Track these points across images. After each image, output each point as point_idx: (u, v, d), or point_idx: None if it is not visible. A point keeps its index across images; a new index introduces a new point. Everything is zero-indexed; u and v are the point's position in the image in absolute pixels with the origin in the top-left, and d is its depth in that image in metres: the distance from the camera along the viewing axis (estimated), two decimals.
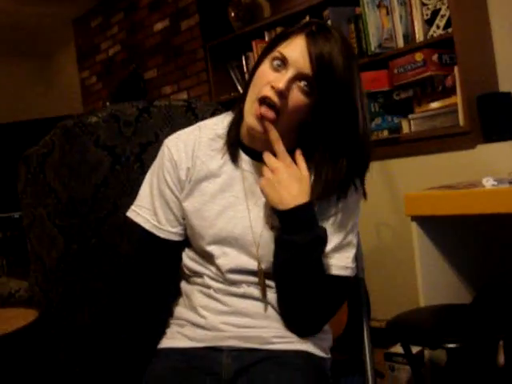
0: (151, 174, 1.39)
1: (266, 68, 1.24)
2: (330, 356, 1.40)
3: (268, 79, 1.22)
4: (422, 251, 2.19)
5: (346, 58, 1.21)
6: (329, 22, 3.06)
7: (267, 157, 1.26)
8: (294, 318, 1.32)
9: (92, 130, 1.55)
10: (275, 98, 1.21)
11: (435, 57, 2.66)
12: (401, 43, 2.84)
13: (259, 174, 1.29)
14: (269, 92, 1.21)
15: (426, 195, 2.20)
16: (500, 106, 2.55)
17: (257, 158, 1.31)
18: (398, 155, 2.93)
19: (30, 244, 1.75)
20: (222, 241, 1.32)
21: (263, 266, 1.30)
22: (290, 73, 1.21)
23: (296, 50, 1.22)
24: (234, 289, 1.32)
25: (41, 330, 1.64)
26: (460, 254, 2.32)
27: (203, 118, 1.56)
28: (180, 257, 1.40)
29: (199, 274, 1.36)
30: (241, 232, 1.31)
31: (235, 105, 1.38)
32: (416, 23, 2.76)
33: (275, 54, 1.23)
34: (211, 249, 1.32)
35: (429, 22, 2.72)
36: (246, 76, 1.18)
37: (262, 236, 1.30)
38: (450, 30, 2.62)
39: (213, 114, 1.64)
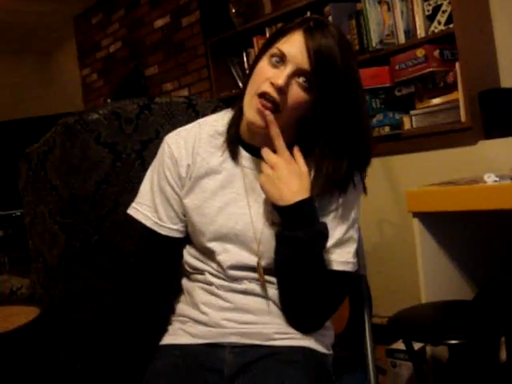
0: (152, 171, 1.39)
1: (264, 65, 1.24)
2: (331, 352, 1.40)
3: (267, 76, 1.22)
4: (424, 247, 2.19)
5: (345, 53, 1.22)
6: (330, 18, 3.05)
7: (266, 153, 1.26)
8: (296, 313, 1.32)
9: (93, 127, 1.55)
10: (274, 94, 1.21)
11: (436, 53, 2.65)
12: (402, 39, 2.83)
13: (259, 170, 1.29)
14: (268, 88, 1.21)
15: (427, 191, 2.20)
16: (501, 101, 2.54)
17: (257, 154, 1.31)
18: (400, 151, 2.92)
19: (31, 241, 1.75)
20: (222, 237, 1.32)
21: (263, 263, 1.30)
22: (288, 69, 1.21)
23: (294, 45, 1.22)
24: (235, 285, 1.32)
25: (42, 328, 1.64)
26: (462, 250, 2.32)
27: (204, 115, 1.56)
28: (181, 254, 1.40)
29: (200, 271, 1.36)
30: (241, 228, 1.31)
31: (235, 102, 1.38)
32: (417, 19, 2.76)
33: (274, 50, 1.23)
34: (212, 245, 1.32)
35: (430, 18, 2.71)
36: (247, 72, 1.19)
37: (262, 232, 1.30)
38: (451, 25, 2.61)
39: (214, 111, 1.64)
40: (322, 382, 1.26)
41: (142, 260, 1.42)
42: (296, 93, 1.22)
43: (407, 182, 2.77)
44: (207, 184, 1.34)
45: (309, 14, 3.20)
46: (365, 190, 1.34)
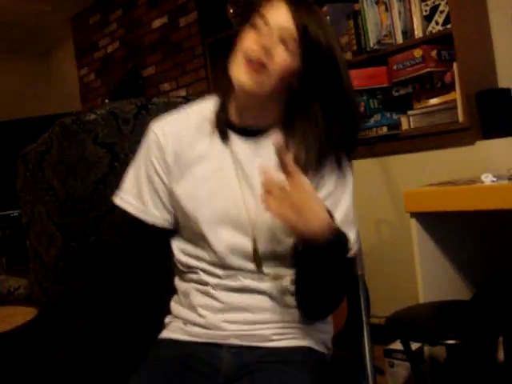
0: (137, 159, 1.38)
1: (248, 33, 1.26)
2: (330, 351, 1.39)
3: (252, 39, 1.24)
4: (422, 248, 2.19)
5: (325, 20, 1.27)
6: (327, 19, 3.05)
7: (268, 173, 1.14)
8: (307, 304, 1.31)
9: (90, 128, 1.55)
10: (260, 53, 1.22)
11: (434, 53, 2.66)
12: (400, 39, 2.83)
13: (250, 151, 1.29)
14: (253, 46, 1.22)
15: (425, 192, 2.20)
16: (499, 102, 2.55)
17: (246, 135, 1.31)
18: (398, 152, 2.92)
19: (28, 242, 1.75)
20: (216, 221, 1.29)
21: (259, 247, 1.28)
22: (273, 31, 1.23)
23: (278, 11, 1.24)
24: (230, 282, 1.30)
25: (40, 328, 1.64)
26: (459, 250, 2.32)
27: None
28: (169, 247, 1.38)
29: (194, 270, 1.34)
30: (235, 211, 1.29)
31: (220, 87, 1.38)
32: (415, 19, 2.76)
33: (256, 17, 1.25)
34: (206, 230, 1.29)
35: (428, 18, 2.71)
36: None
37: (256, 215, 1.27)
38: (449, 26, 2.61)
39: None
40: (322, 381, 1.26)
41: (131, 253, 1.41)
42: (281, 55, 1.22)
43: (405, 182, 2.77)
44: (198, 170, 1.32)
45: None
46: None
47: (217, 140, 1.33)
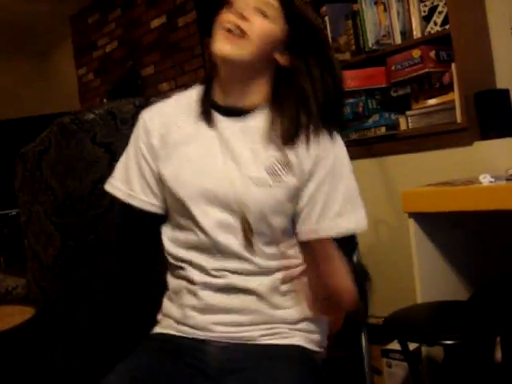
0: (128, 146, 1.40)
1: (224, 10, 1.27)
2: (322, 350, 1.38)
3: (228, 12, 1.25)
4: (420, 248, 2.19)
5: None
6: (326, 19, 3.06)
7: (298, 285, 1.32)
8: None
9: (89, 127, 1.55)
10: (237, 21, 1.23)
11: (432, 53, 2.66)
12: (398, 40, 2.83)
13: (236, 131, 1.29)
14: (230, 17, 1.24)
15: (423, 192, 2.20)
16: (497, 102, 2.55)
17: (232, 115, 1.31)
18: (396, 152, 2.92)
19: (26, 241, 1.75)
20: (203, 201, 1.29)
21: (250, 221, 1.27)
22: (248, 1, 1.25)
23: None
24: (216, 280, 1.29)
25: (37, 327, 1.64)
26: (457, 250, 2.32)
27: None
28: (161, 240, 1.38)
29: (183, 265, 1.33)
30: (222, 190, 1.28)
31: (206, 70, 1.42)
32: (413, 20, 2.76)
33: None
34: (193, 210, 1.29)
35: (426, 19, 2.71)
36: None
37: (243, 193, 1.26)
38: (447, 26, 2.61)
39: None
40: (313, 377, 1.26)
41: (122, 242, 1.42)
42: (258, 20, 1.24)
43: (403, 182, 2.77)
44: (184, 151, 1.32)
45: None
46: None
47: (203, 121, 1.33)
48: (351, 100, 2.98)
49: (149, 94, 4.71)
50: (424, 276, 2.18)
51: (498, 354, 2.00)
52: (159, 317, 1.41)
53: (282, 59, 1.28)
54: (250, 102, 1.31)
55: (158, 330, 1.38)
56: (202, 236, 1.29)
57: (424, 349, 2.24)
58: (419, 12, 2.73)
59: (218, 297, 1.29)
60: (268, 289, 1.29)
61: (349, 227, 1.29)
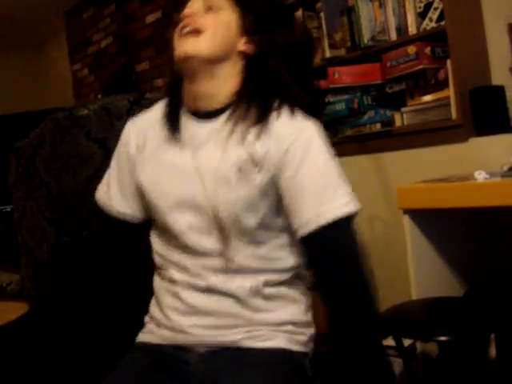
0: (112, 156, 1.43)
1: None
2: (309, 350, 1.36)
3: (180, 20, 1.27)
4: (415, 244, 2.19)
5: None
6: (321, 15, 3.06)
7: None
8: None
9: (83, 123, 1.54)
10: (190, 19, 1.25)
11: (428, 50, 2.65)
12: (393, 36, 2.83)
13: (206, 134, 1.28)
14: (182, 22, 1.26)
15: (418, 188, 2.20)
16: (492, 99, 2.55)
17: (202, 117, 1.30)
18: (391, 148, 2.92)
19: (20, 237, 1.74)
20: (176, 207, 1.29)
21: (224, 221, 1.25)
22: (196, 1, 1.28)
23: None
24: (197, 281, 1.28)
25: (31, 324, 1.64)
26: (452, 247, 2.33)
27: None
28: (139, 242, 1.41)
29: (165, 265, 1.34)
30: (193, 195, 1.27)
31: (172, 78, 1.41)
32: (409, 16, 2.76)
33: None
34: (167, 217, 1.30)
35: (422, 15, 2.71)
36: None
37: (213, 193, 1.25)
38: (442, 22, 2.61)
39: None
40: (292, 381, 1.25)
41: (104, 244, 1.46)
42: (211, 16, 1.26)
43: (398, 178, 2.77)
44: (159, 159, 1.33)
45: (301, 10, 3.19)
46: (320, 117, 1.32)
47: (172, 129, 1.33)
48: (346, 96, 2.97)
49: (144, 89, 4.69)
50: (419, 272, 2.18)
51: (493, 351, 2.01)
52: (146, 319, 1.41)
53: (246, 47, 1.27)
54: (221, 101, 1.29)
55: (140, 337, 1.38)
56: (177, 241, 1.30)
57: (419, 345, 2.25)
58: (415, 8, 2.73)
59: (198, 297, 1.28)
60: (248, 292, 1.27)
61: (343, 209, 1.25)
